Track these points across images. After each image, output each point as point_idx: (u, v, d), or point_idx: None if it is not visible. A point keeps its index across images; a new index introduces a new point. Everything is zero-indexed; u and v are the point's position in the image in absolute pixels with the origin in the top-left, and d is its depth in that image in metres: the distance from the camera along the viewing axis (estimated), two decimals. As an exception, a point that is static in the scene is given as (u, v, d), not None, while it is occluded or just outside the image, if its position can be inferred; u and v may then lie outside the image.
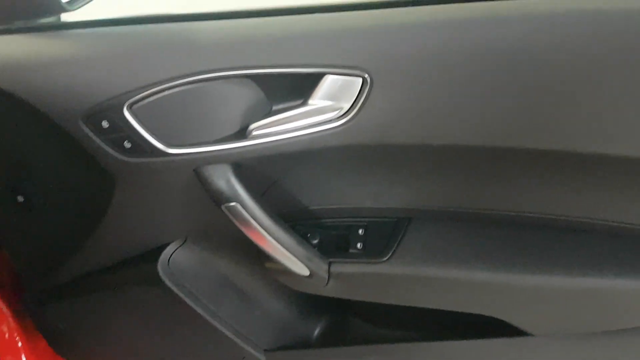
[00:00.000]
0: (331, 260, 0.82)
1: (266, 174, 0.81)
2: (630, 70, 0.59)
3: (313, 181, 0.84)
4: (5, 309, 1.08)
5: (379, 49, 0.62)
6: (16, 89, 0.67)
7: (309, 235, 0.84)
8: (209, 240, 0.90)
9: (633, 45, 0.58)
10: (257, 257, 0.87)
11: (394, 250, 0.80)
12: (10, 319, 1.08)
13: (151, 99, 0.66)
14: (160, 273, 0.88)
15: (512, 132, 0.65)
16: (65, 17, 0.82)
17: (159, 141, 0.69)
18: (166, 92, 0.66)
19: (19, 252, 0.95)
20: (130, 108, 0.66)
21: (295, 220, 0.87)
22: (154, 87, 0.65)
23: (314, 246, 0.84)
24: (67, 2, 0.75)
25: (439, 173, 0.78)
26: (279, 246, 0.78)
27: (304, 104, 0.66)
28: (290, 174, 0.82)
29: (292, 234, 0.79)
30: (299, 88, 0.68)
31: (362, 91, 0.64)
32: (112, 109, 0.66)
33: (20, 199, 0.83)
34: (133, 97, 0.65)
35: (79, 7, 0.78)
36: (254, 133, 0.68)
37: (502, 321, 0.84)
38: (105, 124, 0.67)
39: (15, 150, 0.77)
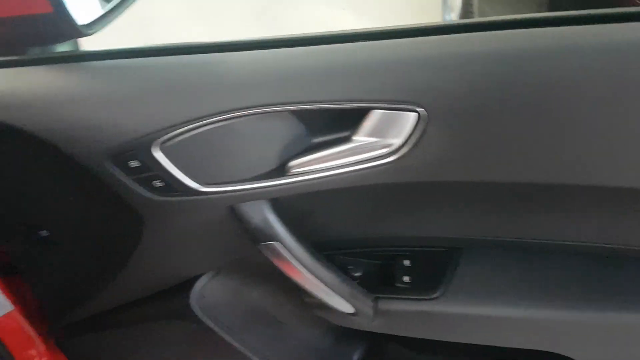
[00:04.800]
0: (377, 296, 0.76)
1: (304, 204, 0.75)
2: None
3: (353, 209, 0.78)
4: (33, 334, 1.05)
5: (434, 81, 0.55)
6: (34, 128, 0.61)
7: (351, 267, 0.78)
8: (242, 271, 0.85)
9: None
10: (293, 287, 0.81)
11: (446, 286, 0.74)
12: (40, 344, 1.05)
13: (183, 136, 0.60)
14: (193, 305, 0.83)
15: (578, 168, 0.58)
16: (84, 44, 0.77)
17: (192, 180, 0.63)
18: (199, 130, 0.60)
19: (39, 284, 0.91)
20: (160, 147, 0.60)
21: (334, 249, 0.81)
22: (185, 125, 0.59)
23: (356, 279, 0.78)
24: (84, 26, 0.69)
25: (491, 203, 0.71)
26: (321, 284, 0.73)
27: (349, 140, 0.60)
28: (329, 204, 0.76)
29: (335, 270, 0.73)
30: (341, 121, 0.61)
31: (417, 127, 0.57)
32: (140, 148, 0.60)
33: (44, 233, 0.78)
34: (163, 135, 0.60)
35: (97, 31, 0.72)
36: (294, 170, 0.62)
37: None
38: (133, 163, 0.62)
39: (35, 187, 0.72)
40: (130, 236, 0.73)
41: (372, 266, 0.80)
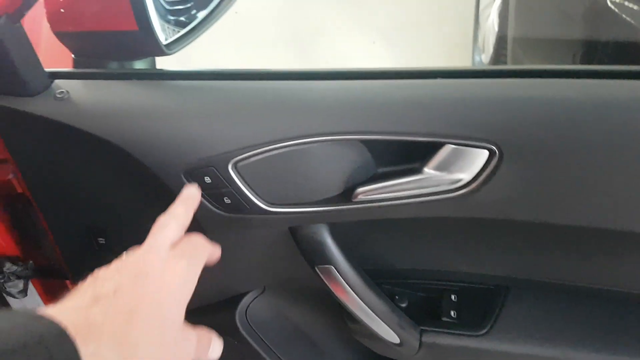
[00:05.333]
0: (423, 328, 0.77)
1: (359, 231, 0.76)
2: None
3: (406, 240, 0.79)
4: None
5: (511, 121, 0.57)
6: (114, 138, 0.64)
7: (396, 297, 0.80)
8: (287, 291, 0.87)
9: None
10: (336, 312, 0.82)
11: (493, 323, 0.75)
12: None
13: (256, 157, 0.63)
14: (238, 322, 0.84)
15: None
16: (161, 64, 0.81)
17: (260, 200, 0.65)
18: (272, 152, 0.62)
19: None
20: (234, 166, 0.63)
21: (379, 277, 0.82)
22: (261, 147, 0.62)
23: (402, 309, 0.79)
24: (166, 45, 0.73)
25: (548, 245, 0.72)
26: (369, 311, 0.74)
27: (419, 171, 0.62)
28: (383, 233, 0.78)
29: (385, 299, 0.75)
30: (411, 152, 0.63)
31: (488, 164, 0.59)
32: (216, 166, 0.63)
33: (101, 240, 0.80)
34: (238, 155, 0.62)
35: (177, 51, 0.76)
36: (360, 197, 0.64)
37: None
38: (207, 179, 0.64)
39: (106, 194, 0.74)
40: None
41: (418, 298, 0.81)
